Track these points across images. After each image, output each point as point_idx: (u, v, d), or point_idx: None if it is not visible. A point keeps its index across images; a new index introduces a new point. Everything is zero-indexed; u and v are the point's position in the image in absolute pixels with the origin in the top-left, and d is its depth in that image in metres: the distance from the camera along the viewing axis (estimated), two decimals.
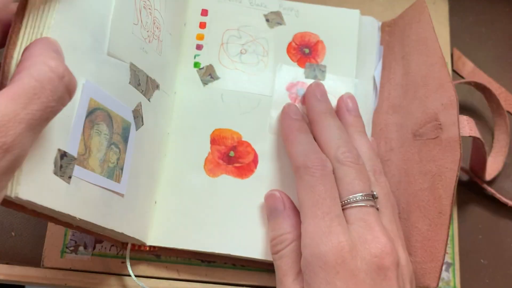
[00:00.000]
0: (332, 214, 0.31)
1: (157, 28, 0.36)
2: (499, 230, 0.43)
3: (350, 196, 0.32)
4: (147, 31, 0.34)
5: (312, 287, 0.30)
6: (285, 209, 0.35)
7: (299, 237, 0.32)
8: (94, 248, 0.38)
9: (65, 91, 0.23)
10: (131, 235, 0.34)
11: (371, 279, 0.29)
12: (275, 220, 0.35)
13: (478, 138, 0.38)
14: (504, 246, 0.42)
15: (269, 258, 0.36)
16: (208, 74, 0.40)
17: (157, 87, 0.36)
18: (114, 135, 0.31)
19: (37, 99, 0.21)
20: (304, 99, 0.39)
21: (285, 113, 0.37)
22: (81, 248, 0.38)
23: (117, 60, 0.31)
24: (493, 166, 0.43)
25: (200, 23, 0.41)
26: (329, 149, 0.34)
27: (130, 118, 0.33)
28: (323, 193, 0.31)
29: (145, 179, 0.36)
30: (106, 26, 0.30)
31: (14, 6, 0.24)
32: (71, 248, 0.38)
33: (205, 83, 0.40)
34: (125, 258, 0.37)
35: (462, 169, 0.43)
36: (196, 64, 0.40)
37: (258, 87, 0.40)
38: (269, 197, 0.36)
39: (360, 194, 0.32)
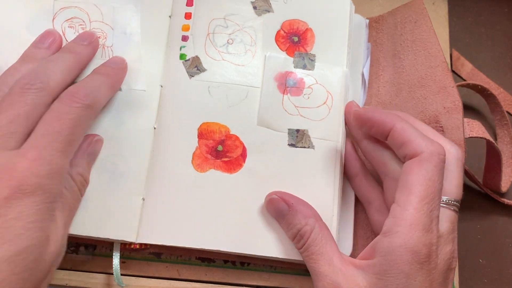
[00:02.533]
0: (435, 212, 0.31)
1: (99, 37, 0.38)
2: (497, 230, 0.43)
3: (452, 198, 0.32)
4: None
5: (388, 274, 0.30)
6: (290, 207, 0.34)
7: (318, 219, 0.34)
8: (95, 248, 0.38)
9: None
10: (113, 238, 0.35)
11: (443, 278, 0.31)
12: (286, 221, 0.35)
13: (488, 140, 0.38)
14: (502, 246, 0.43)
15: (260, 253, 0.36)
16: (194, 66, 0.39)
17: (119, 89, 0.37)
18: None
19: None
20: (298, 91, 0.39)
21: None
22: (81, 248, 0.38)
23: None
24: (504, 178, 0.43)
25: (186, 13, 0.40)
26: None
27: None
28: (438, 191, 0.31)
29: (128, 176, 0.36)
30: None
31: None
32: (72, 248, 0.38)
33: (191, 75, 0.39)
34: (125, 258, 0.37)
35: (476, 183, 0.43)
36: (182, 56, 0.39)
37: (246, 78, 0.39)
38: (269, 203, 0.36)
39: (454, 199, 0.33)
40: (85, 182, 0.34)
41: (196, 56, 0.39)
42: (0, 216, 0.27)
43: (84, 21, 0.38)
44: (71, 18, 0.37)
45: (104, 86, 0.35)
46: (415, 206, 0.30)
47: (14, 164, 0.29)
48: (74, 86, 0.33)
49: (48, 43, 0.36)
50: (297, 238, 0.34)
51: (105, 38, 0.38)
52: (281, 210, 0.35)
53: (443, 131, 0.35)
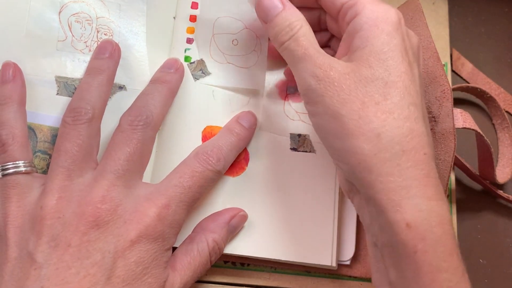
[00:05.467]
0: None
1: (105, 34, 0.38)
2: (498, 230, 0.43)
3: None
4: (85, 42, 0.37)
5: (370, 42, 0.29)
6: (285, 6, 0.31)
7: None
8: None
9: None
10: None
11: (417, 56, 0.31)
12: (277, 17, 0.31)
13: (477, 132, 0.38)
14: (503, 246, 0.43)
15: (260, 255, 0.36)
16: (199, 69, 0.39)
17: (122, 88, 0.37)
18: (39, 144, 0.35)
19: None
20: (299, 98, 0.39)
21: None
22: None
23: (37, 76, 0.36)
24: (499, 170, 0.43)
25: (191, 16, 0.40)
26: None
27: None
28: None
29: None
30: (24, 48, 0.35)
31: None
32: None
33: (196, 78, 0.39)
34: None
35: (474, 178, 0.43)
36: (186, 58, 0.39)
37: (250, 81, 0.39)
38: (262, 0, 0.32)
39: None
40: (218, 250, 0.35)
41: (201, 60, 0.39)
42: (125, 257, 0.29)
43: (90, 17, 0.37)
44: (78, 12, 0.37)
45: (235, 151, 0.37)
46: None
47: (145, 209, 0.31)
48: (210, 146, 0.35)
49: (109, 53, 0.36)
50: (283, 32, 0.31)
51: (111, 35, 0.38)
52: (275, 5, 0.32)
53: (435, 121, 0.35)
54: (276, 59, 0.38)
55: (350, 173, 0.29)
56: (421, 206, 0.26)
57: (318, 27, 0.36)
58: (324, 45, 0.37)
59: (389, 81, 0.28)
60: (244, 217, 0.37)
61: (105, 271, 0.28)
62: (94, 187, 0.30)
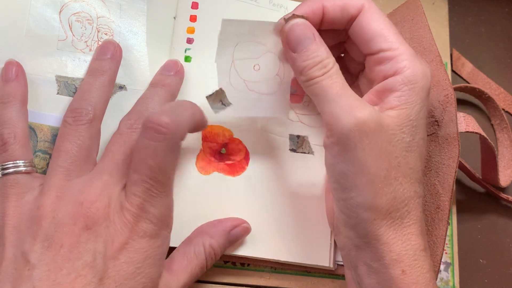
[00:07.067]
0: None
1: (105, 34, 0.38)
2: (498, 230, 0.43)
3: None
4: (85, 42, 0.37)
5: (407, 107, 0.30)
6: (316, 39, 0.31)
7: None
8: None
9: None
10: None
11: None
12: (309, 47, 0.30)
13: (481, 135, 0.38)
14: (503, 246, 0.43)
15: (260, 255, 0.36)
16: (218, 100, 0.35)
17: (122, 88, 0.37)
18: (39, 143, 0.35)
19: None
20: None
21: None
22: None
23: (38, 76, 0.36)
24: (502, 173, 0.43)
25: (191, 16, 0.40)
26: None
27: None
28: None
29: None
30: (24, 48, 0.35)
31: None
32: None
33: (216, 110, 0.35)
34: None
35: (475, 180, 0.43)
36: (187, 58, 0.39)
37: (274, 108, 0.36)
38: (292, 29, 0.31)
39: None
40: (214, 256, 0.35)
41: (220, 89, 0.35)
42: (115, 258, 0.29)
43: (91, 16, 0.37)
44: (78, 12, 0.37)
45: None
46: (402, 41, 0.31)
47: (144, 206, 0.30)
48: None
49: (111, 54, 0.36)
50: (316, 68, 0.30)
51: (111, 35, 0.38)
52: (307, 36, 0.31)
53: (438, 125, 0.35)
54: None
55: (355, 223, 0.30)
56: (416, 257, 0.29)
57: (337, 51, 0.36)
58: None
59: (411, 146, 0.30)
60: (247, 229, 0.36)
61: (96, 272, 0.28)
62: (89, 187, 0.30)
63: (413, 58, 0.30)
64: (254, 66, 0.35)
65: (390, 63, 0.30)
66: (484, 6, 0.49)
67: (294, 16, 0.31)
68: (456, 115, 0.34)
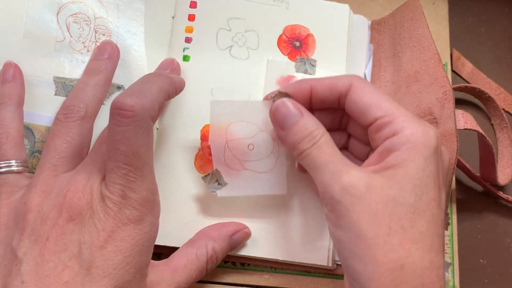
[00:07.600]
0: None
1: (103, 34, 0.38)
2: (498, 230, 0.43)
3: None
4: (83, 42, 0.37)
5: (406, 164, 0.28)
6: (303, 114, 0.31)
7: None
8: None
9: None
10: None
11: (446, 174, 0.32)
12: (295, 125, 0.31)
13: (479, 133, 0.38)
14: (503, 246, 0.43)
15: (260, 255, 0.36)
16: (215, 181, 0.36)
17: (120, 88, 0.37)
18: (37, 144, 0.35)
19: None
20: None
21: None
22: None
23: (36, 77, 0.36)
24: (501, 171, 0.43)
25: (189, 15, 0.40)
26: None
27: None
28: None
29: None
30: (22, 49, 0.36)
31: None
32: None
33: (213, 190, 0.36)
34: None
35: (474, 179, 0.43)
36: (185, 58, 0.39)
37: (270, 186, 0.37)
38: (278, 108, 0.32)
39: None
40: (215, 260, 0.35)
41: (216, 170, 0.35)
42: (102, 248, 0.28)
43: (88, 17, 0.38)
44: (76, 13, 0.37)
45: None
46: (397, 106, 0.30)
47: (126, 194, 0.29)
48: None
49: (108, 54, 0.36)
50: (304, 141, 0.30)
51: (109, 35, 0.38)
52: (293, 114, 0.31)
53: (436, 122, 0.36)
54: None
55: None
56: None
57: (337, 127, 0.35)
58: (342, 147, 0.36)
59: (418, 208, 0.27)
60: (248, 235, 0.37)
61: (83, 263, 0.28)
62: (74, 181, 0.30)
63: (411, 119, 0.29)
64: (248, 146, 0.35)
65: (389, 126, 0.29)
66: (484, 6, 0.49)
67: (279, 94, 0.32)
68: (454, 111, 0.34)
